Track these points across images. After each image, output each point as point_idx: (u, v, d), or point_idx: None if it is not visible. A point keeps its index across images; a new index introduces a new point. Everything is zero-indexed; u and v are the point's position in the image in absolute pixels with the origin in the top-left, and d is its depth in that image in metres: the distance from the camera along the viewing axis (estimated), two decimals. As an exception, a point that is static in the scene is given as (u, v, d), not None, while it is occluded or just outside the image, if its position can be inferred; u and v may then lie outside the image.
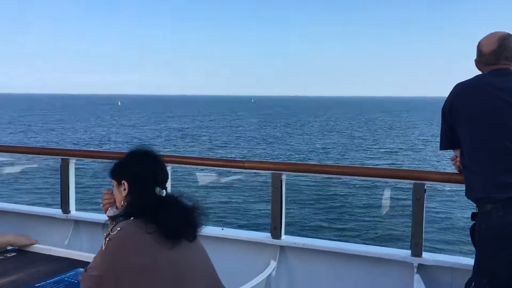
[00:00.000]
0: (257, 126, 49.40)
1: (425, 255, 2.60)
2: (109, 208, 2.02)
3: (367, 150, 29.50)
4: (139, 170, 1.84)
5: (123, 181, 1.84)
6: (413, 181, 2.62)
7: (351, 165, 3.07)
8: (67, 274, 2.13)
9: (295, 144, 32.21)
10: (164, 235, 1.69)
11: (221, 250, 2.97)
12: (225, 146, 30.37)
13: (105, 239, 1.66)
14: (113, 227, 1.69)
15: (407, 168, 2.96)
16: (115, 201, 1.96)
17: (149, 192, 1.79)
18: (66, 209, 3.49)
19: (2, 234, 2.52)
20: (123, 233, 1.65)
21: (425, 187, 2.61)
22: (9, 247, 2.46)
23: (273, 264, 2.33)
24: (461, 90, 2.25)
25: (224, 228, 3.12)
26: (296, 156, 26.41)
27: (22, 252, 2.44)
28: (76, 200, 3.56)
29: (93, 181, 12.93)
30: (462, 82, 2.28)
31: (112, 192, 1.97)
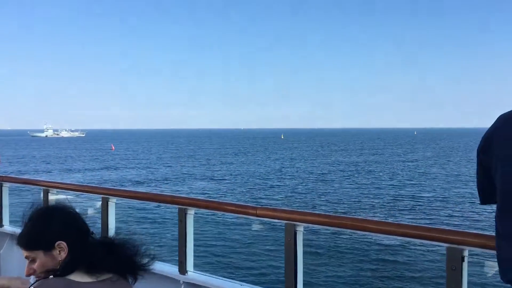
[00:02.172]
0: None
1: None
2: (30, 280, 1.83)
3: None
4: (73, 224, 1.79)
5: (58, 243, 1.72)
6: (446, 245, 2.09)
7: (369, 219, 2.63)
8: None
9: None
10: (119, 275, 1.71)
11: None
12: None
13: None
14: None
15: (439, 228, 2.38)
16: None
17: (89, 242, 1.76)
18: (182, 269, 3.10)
19: None
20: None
21: (464, 254, 2.03)
22: None
23: None
24: (504, 122, 1.60)
25: None
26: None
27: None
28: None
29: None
30: (508, 112, 1.63)
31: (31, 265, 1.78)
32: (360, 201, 24.90)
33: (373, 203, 24.18)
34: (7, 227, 4.38)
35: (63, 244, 1.71)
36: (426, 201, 24.96)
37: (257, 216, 2.78)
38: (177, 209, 3.13)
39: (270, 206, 2.96)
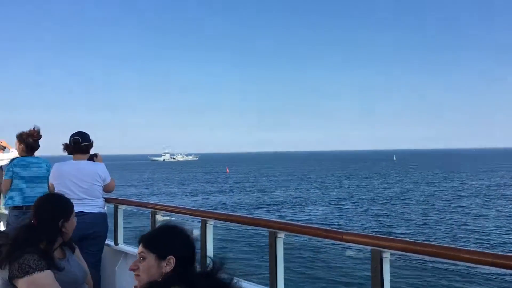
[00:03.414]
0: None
1: None
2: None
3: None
4: (187, 247, 2.00)
5: (169, 257, 1.94)
6: None
7: (466, 249, 2.46)
8: None
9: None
10: None
11: None
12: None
13: None
14: None
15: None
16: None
17: (192, 270, 1.93)
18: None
19: None
20: None
21: None
22: None
23: None
24: None
25: None
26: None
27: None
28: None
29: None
30: None
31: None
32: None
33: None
34: (122, 246, 4.84)
35: (172, 259, 1.94)
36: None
37: (344, 241, 2.78)
38: (268, 233, 3.24)
39: (357, 231, 2.94)
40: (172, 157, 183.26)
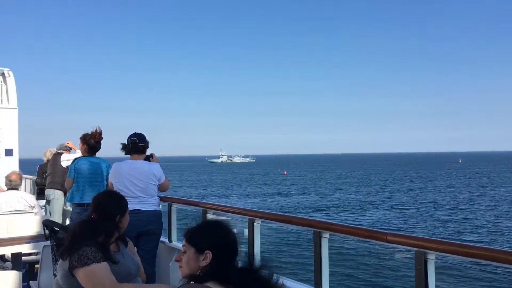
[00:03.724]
0: None
1: None
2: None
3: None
4: (225, 243, 2.05)
5: (206, 252, 2.03)
6: None
7: None
8: None
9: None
10: None
11: None
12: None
13: None
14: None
15: None
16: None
17: (230, 266, 1.99)
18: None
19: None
20: None
21: None
22: None
23: None
24: None
25: None
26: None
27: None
28: None
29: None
30: None
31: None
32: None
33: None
34: (175, 243, 5.06)
35: (209, 254, 2.03)
36: None
37: (388, 241, 2.77)
38: (312, 232, 3.28)
39: (401, 232, 2.91)
40: (230, 158, 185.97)
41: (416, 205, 35.54)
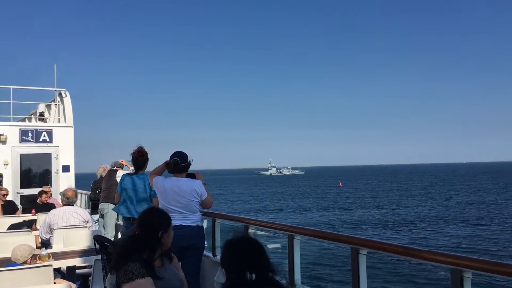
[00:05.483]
0: None
1: None
2: None
3: None
4: (232, 259, 2.28)
5: (222, 268, 2.33)
6: None
7: None
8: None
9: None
10: None
11: None
12: None
13: None
14: None
15: None
16: None
17: (239, 278, 2.18)
18: None
19: None
20: None
21: None
22: None
23: None
24: None
25: None
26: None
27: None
28: None
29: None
30: None
31: None
32: None
33: None
34: (219, 257, 5.22)
35: (223, 270, 2.32)
36: None
37: (424, 259, 2.79)
38: (350, 249, 3.33)
39: (438, 250, 2.91)
40: (279, 171, 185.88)
41: (495, 221, 33.35)
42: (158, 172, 5.11)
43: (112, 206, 8.79)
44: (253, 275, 2.15)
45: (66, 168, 13.91)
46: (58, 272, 5.88)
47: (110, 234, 8.55)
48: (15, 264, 4.90)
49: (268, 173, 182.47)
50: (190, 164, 5.04)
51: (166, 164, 5.02)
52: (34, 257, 5.16)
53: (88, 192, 11.47)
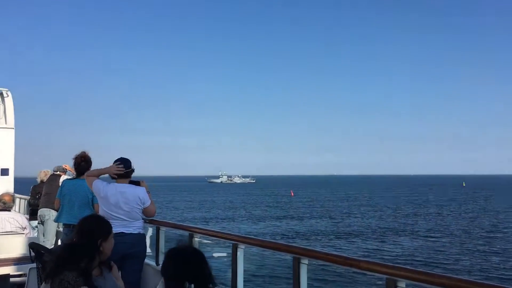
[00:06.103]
0: None
1: None
2: None
3: None
4: (171, 269, 2.37)
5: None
6: None
7: (475, 280, 2.45)
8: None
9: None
10: None
11: None
12: None
13: None
14: None
15: None
16: None
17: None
18: None
19: None
20: None
21: None
22: None
23: None
24: None
25: None
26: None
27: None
28: None
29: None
30: None
31: None
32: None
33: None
34: None
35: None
36: None
37: (361, 268, 2.88)
38: (292, 258, 3.38)
39: (374, 260, 3.01)
40: (230, 179, 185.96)
41: (445, 233, 34.08)
42: (95, 174, 4.98)
43: (54, 212, 8.48)
44: (192, 286, 2.14)
45: (4, 172, 13.24)
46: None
47: (50, 241, 8.21)
48: None
49: (219, 180, 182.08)
50: (133, 170, 4.96)
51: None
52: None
53: (28, 197, 11.00)
